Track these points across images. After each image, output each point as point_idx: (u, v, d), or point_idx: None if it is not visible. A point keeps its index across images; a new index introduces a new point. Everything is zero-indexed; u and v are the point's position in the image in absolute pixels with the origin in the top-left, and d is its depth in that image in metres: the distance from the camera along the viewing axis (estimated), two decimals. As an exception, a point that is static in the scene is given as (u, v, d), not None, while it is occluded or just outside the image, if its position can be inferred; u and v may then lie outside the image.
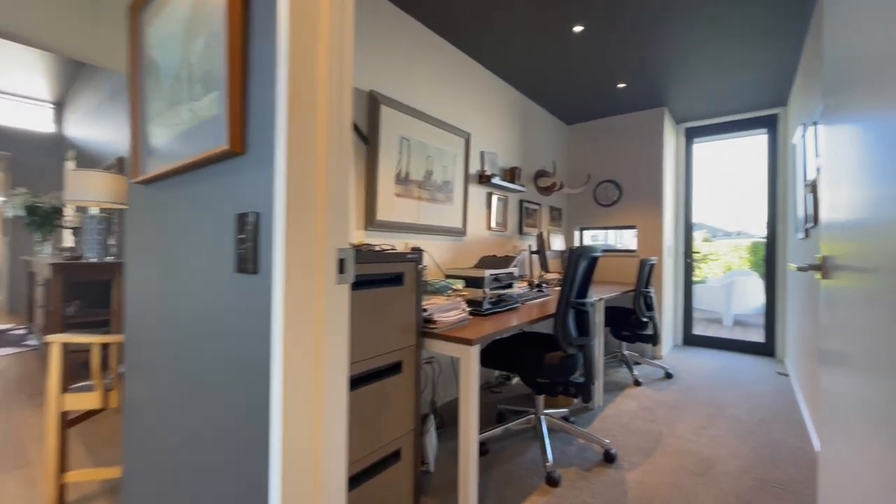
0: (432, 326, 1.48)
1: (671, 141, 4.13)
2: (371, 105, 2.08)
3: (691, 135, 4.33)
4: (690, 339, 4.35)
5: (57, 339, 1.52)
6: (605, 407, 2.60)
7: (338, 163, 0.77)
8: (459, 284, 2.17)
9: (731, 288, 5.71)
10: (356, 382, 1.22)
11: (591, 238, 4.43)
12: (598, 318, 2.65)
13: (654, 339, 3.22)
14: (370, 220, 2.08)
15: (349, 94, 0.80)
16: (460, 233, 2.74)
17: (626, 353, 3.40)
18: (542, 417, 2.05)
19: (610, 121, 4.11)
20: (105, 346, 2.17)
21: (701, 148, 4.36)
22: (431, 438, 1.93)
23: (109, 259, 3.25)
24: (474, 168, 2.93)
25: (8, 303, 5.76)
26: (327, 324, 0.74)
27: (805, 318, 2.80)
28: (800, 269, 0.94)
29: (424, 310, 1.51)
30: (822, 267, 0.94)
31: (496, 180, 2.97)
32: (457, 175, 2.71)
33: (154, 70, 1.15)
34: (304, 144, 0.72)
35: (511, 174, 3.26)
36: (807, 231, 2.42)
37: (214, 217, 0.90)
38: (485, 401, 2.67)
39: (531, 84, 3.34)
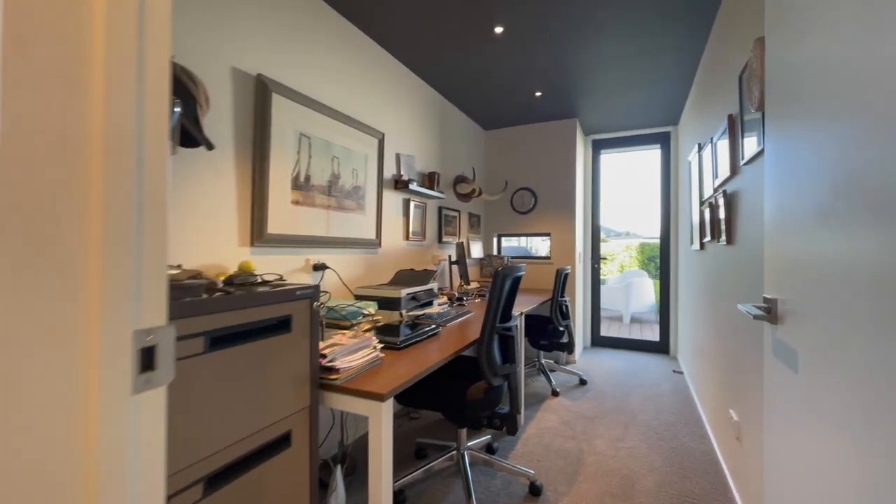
0: (333, 377, 1.17)
1: (581, 151, 4.28)
2: (259, 92, 1.69)
3: (598, 146, 4.55)
4: (598, 341, 4.58)
5: None
6: (528, 425, 2.51)
7: (122, 171, 0.45)
8: (372, 307, 1.88)
9: (629, 288, 6.22)
10: (217, 478, 0.87)
11: (507, 245, 4.42)
12: (520, 339, 2.56)
13: (569, 347, 3.26)
14: (258, 235, 1.68)
15: (167, 45, 0.48)
16: (374, 244, 2.44)
17: (543, 361, 3.40)
18: (465, 453, 1.86)
19: (526, 128, 4.12)
20: None
21: (605, 157, 4.61)
22: (339, 496, 1.61)
23: None
24: (389, 172, 2.65)
25: None
26: (104, 471, 0.42)
27: (693, 319, 3.05)
28: (756, 317, 0.84)
29: (323, 355, 1.19)
30: (770, 311, 0.86)
31: (414, 186, 2.72)
32: (369, 180, 2.40)
33: None
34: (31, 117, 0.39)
35: (430, 179, 3.04)
36: (702, 244, 2.59)
37: None
38: (400, 431, 2.41)
39: (450, 84, 3.16)
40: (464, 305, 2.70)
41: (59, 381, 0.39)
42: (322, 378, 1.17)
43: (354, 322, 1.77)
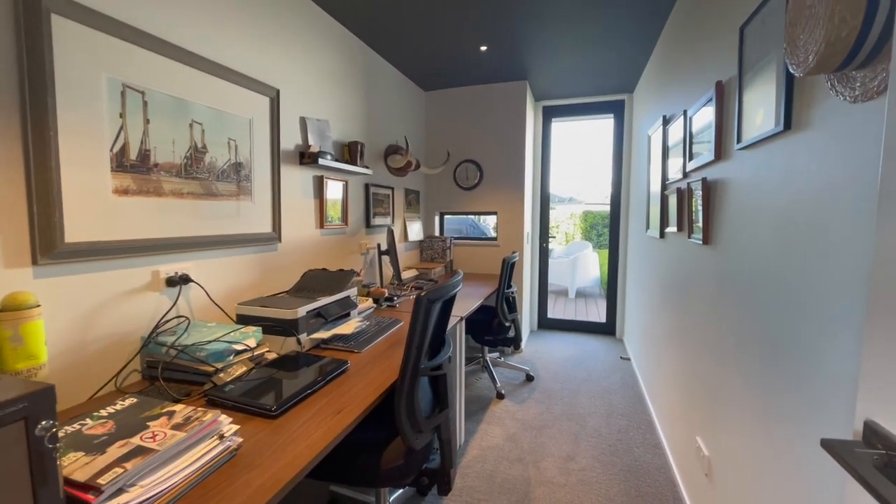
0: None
1: (531, 119, 3.84)
2: (22, 10, 1.01)
3: (549, 113, 4.13)
4: (545, 323, 4.38)
5: None
6: (469, 444, 2.18)
7: None
8: (252, 339, 1.36)
9: (575, 263, 6.10)
10: None
11: (451, 221, 3.97)
12: (457, 364, 2.15)
13: (515, 343, 2.95)
14: (46, 247, 1.07)
15: None
16: (270, 239, 1.87)
17: (487, 357, 3.08)
18: (387, 515, 1.46)
19: (472, 90, 3.58)
20: None
21: (556, 125, 4.22)
22: None
23: None
24: (292, 142, 2.03)
25: None
26: None
27: (644, 300, 2.84)
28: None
29: (80, 485, 0.67)
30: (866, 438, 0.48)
31: (327, 160, 2.13)
32: (258, 153, 1.79)
33: None
34: None
35: (350, 151, 2.45)
36: (663, 233, 2.29)
37: None
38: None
39: (378, 33, 2.52)
40: (394, 307, 2.24)
41: None
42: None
43: (222, 366, 1.24)
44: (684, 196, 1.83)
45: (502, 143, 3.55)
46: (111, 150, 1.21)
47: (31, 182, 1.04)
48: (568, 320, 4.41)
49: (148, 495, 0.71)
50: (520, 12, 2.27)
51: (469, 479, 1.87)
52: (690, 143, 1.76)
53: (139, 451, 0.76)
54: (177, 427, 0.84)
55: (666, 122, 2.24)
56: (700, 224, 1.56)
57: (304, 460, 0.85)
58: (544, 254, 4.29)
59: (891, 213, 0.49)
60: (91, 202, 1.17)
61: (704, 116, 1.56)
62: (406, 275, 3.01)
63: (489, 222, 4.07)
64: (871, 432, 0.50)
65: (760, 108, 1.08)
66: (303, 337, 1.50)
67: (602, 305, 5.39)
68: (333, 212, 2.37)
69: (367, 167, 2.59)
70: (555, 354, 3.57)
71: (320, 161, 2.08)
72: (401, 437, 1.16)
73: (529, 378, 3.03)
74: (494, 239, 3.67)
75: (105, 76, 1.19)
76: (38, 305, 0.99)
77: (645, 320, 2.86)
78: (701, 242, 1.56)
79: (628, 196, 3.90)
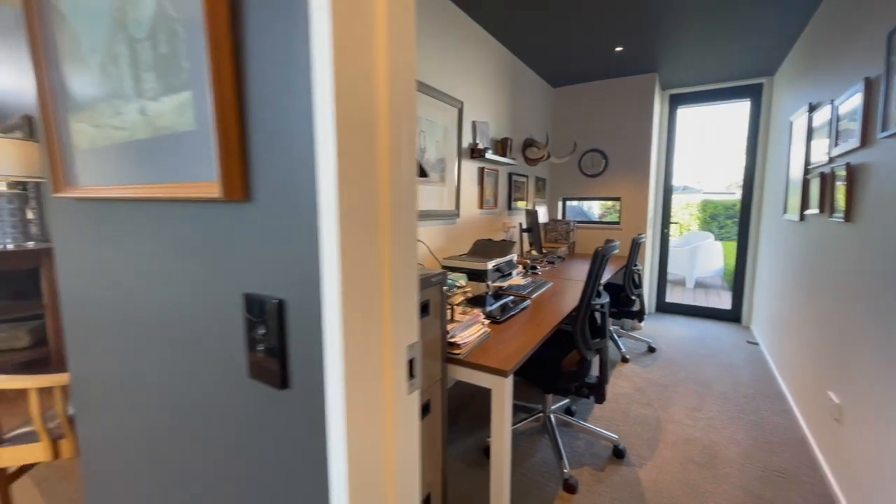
0: (456, 352, 1.29)
1: (658, 107, 3.98)
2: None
3: (676, 101, 4.20)
4: (663, 307, 4.50)
5: (-24, 386, 1.18)
6: (600, 390, 2.60)
7: (405, 212, 0.52)
8: (462, 279, 1.97)
9: (695, 252, 5.94)
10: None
11: (571, 207, 4.33)
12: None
13: (640, 316, 3.25)
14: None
15: (413, 100, 0.53)
16: (453, 215, 2.50)
17: (611, 327, 3.43)
18: (552, 416, 1.99)
19: (599, 85, 3.87)
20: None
21: (681, 112, 4.26)
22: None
23: (31, 245, 2.71)
24: (466, 141, 2.64)
25: None
26: (400, 460, 0.53)
27: (777, 286, 2.91)
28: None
29: (446, 332, 1.30)
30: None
31: (489, 154, 2.70)
32: (449, 151, 2.42)
33: (69, 35, 0.78)
34: (360, 190, 0.46)
35: (503, 146, 3.00)
36: (803, 216, 2.41)
37: (204, 287, 0.62)
38: (483, 389, 2.58)
39: (524, 41, 3.00)
40: (538, 274, 2.74)
41: (373, 380, 0.49)
42: (448, 353, 1.28)
43: (450, 294, 1.88)
44: (827, 179, 1.99)
45: (628, 132, 3.78)
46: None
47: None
48: (688, 305, 4.46)
49: (464, 342, 1.32)
50: (659, 13, 2.55)
51: (605, 412, 2.31)
52: (835, 130, 1.92)
53: (452, 321, 1.37)
54: (461, 314, 1.46)
55: (812, 108, 2.34)
56: (842, 204, 1.76)
57: (528, 343, 1.40)
58: (665, 240, 4.40)
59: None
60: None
61: (850, 105, 1.74)
62: (535, 253, 3.49)
63: (594, 209, 4.39)
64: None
65: (903, 103, 1.32)
66: (489, 283, 2.09)
67: (724, 296, 5.24)
68: (489, 195, 2.95)
69: (514, 158, 3.11)
70: (675, 333, 3.75)
71: (486, 156, 2.66)
72: (576, 350, 1.66)
73: (651, 349, 3.31)
74: (617, 223, 3.95)
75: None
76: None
77: (778, 304, 2.93)
78: (842, 220, 1.76)
79: (762, 182, 3.83)
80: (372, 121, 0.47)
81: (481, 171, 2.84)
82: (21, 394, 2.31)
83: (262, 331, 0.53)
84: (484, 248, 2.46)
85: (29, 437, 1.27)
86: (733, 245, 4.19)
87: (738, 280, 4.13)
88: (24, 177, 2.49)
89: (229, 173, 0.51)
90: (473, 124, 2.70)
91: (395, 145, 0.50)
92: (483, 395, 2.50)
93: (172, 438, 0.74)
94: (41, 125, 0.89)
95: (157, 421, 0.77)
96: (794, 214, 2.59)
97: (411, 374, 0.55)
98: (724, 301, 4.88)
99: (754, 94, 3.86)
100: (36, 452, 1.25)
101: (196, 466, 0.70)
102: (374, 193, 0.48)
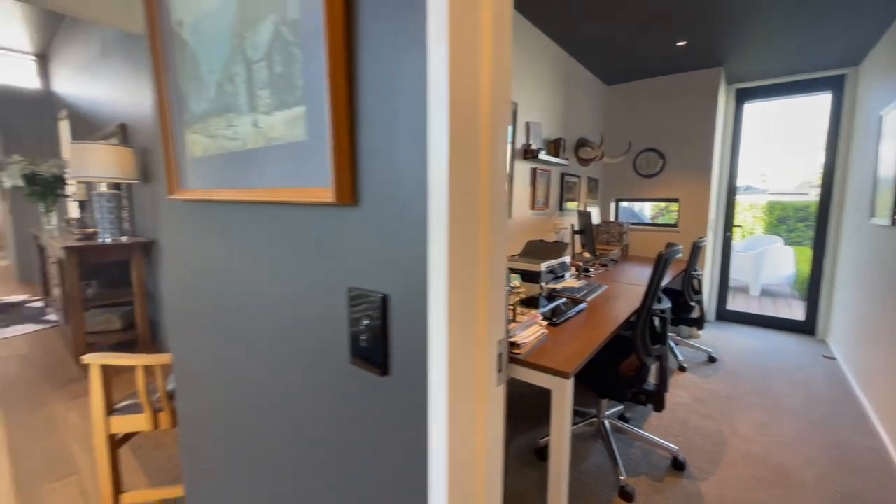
0: (517, 352, 1.31)
1: (722, 104, 3.76)
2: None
3: (743, 96, 3.94)
4: (724, 315, 4.24)
5: (95, 361, 1.36)
6: (656, 398, 2.51)
7: (499, 219, 0.56)
8: (516, 280, 1.99)
9: (761, 257, 5.53)
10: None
11: (624, 209, 4.18)
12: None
13: (699, 323, 3.09)
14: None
15: (508, 114, 0.57)
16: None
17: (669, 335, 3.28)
18: (606, 422, 1.95)
19: (657, 81, 3.71)
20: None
21: (748, 107, 3.98)
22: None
23: (124, 239, 3.04)
24: (519, 142, 2.64)
25: (19, 271, 5.63)
26: (489, 449, 0.56)
27: (862, 296, 2.65)
28: None
29: (507, 331, 1.33)
30: None
31: (542, 155, 2.69)
32: (504, 152, 2.43)
33: (189, 58, 0.89)
34: (466, 201, 0.50)
35: (555, 147, 2.97)
36: (894, 220, 2.19)
37: (310, 281, 0.69)
38: (533, 390, 2.57)
39: (580, 43, 2.94)
40: (591, 277, 2.69)
41: (472, 370, 0.53)
42: (510, 353, 1.31)
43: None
44: (927, 179, 1.80)
45: (688, 130, 3.60)
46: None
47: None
48: (753, 314, 4.17)
49: (523, 342, 1.34)
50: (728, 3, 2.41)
51: (662, 421, 2.23)
52: (940, 126, 1.73)
53: (510, 322, 1.40)
54: (520, 315, 1.47)
55: (908, 101, 2.13)
56: (946, 206, 1.58)
57: (587, 346, 1.39)
58: (727, 244, 4.15)
59: None
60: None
61: (961, 99, 1.56)
62: (587, 255, 3.41)
63: (645, 210, 4.20)
64: None
65: None
66: (543, 285, 2.08)
67: (795, 306, 4.83)
68: (540, 196, 2.93)
69: (566, 159, 3.07)
70: (738, 343, 3.53)
71: (539, 156, 2.65)
72: (636, 355, 1.63)
73: (712, 359, 3.14)
74: (675, 225, 3.77)
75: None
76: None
77: (863, 316, 2.68)
78: (946, 225, 1.58)
79: (843, 182, 3.51)
80: (475, 137, 0.51)
81: (534, 171, 2.83)
82: (118, 371, 2.60)
83: (365, 322, 0.58)
84: (536, 249, 2.45)
85: (134, 409, 1.45)
86: (804, 250, 3.87)
87: (813, 289, 3.81)
88: (121, 178, 2.80)
89: (342, 180, 0.57)
90: (527, 125, 2.69)
91: (494, 162, 0.54)
92: (532, 397, 2.49)
93: (268, 417, 0.83)
94: (159, 136, 1.01)
95: (254, 399, 0.86)
96: (883, 219, 2.36)
97: (499, 368, 0.58)
98: (795, 311, 4.51)
99: (836, 85, 3.54)
100: (140, 422, 1.42)
101: (289, 445, 0.78)
102: (476, 204, 0.52)
